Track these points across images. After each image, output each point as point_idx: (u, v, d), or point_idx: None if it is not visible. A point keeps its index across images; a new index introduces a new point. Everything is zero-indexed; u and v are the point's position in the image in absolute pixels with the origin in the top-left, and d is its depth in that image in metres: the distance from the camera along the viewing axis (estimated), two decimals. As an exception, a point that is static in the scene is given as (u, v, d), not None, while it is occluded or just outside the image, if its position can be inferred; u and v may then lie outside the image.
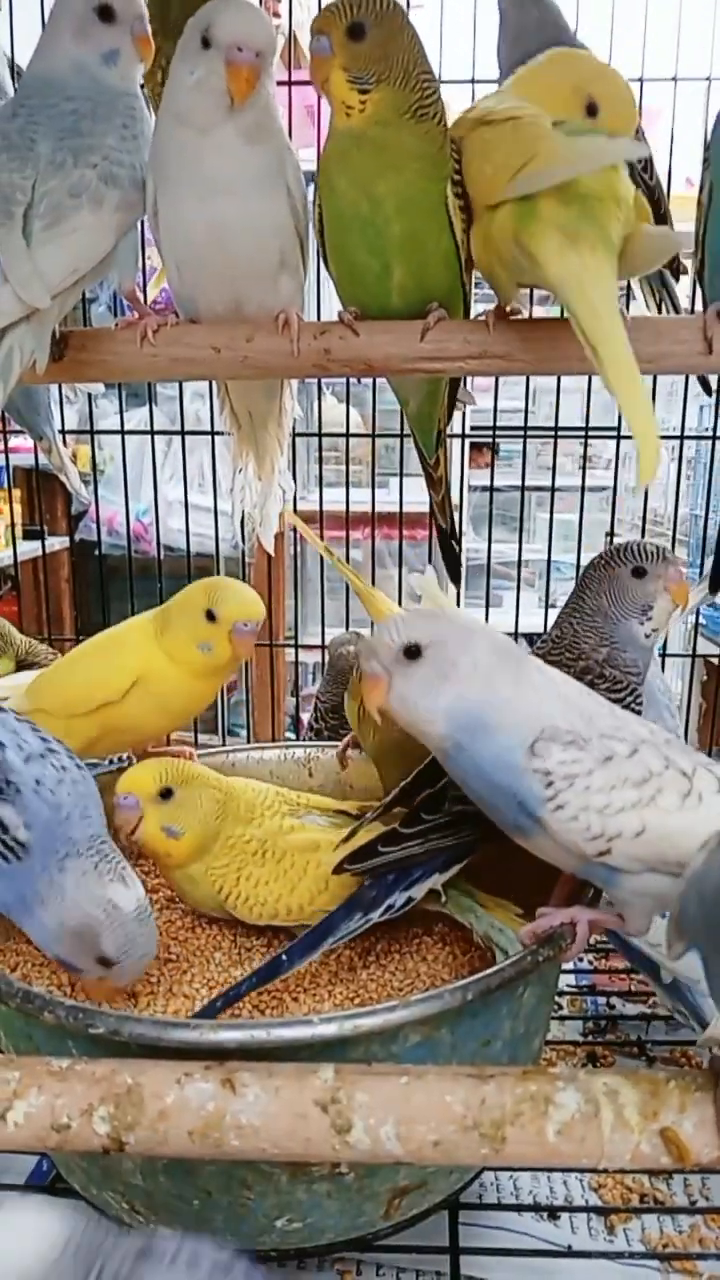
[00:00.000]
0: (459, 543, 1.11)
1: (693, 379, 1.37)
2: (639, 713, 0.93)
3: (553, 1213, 0.91)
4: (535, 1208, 0.91)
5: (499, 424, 1.75)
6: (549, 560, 1.90)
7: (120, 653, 1.03)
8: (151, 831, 0.93)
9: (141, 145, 0.85)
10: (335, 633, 1.58)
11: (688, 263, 1.18)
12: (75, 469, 1.55)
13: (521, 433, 1.79)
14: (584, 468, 1.92)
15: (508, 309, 0.84)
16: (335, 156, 0.84)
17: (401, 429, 1.59)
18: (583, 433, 1.87)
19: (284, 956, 0.85)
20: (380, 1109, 0.62)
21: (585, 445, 1.87)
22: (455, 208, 0.83)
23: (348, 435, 1.97)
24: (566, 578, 2.55)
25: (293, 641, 2.29)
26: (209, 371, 0.91)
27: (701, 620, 2.11)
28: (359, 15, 0.80)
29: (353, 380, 1.49)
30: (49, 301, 0.80)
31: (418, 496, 1.61)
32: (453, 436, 1.08)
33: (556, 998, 1.09)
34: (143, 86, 0.90)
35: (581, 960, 1.26)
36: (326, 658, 1.50)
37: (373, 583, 1.80)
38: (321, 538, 1.80)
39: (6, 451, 1.81)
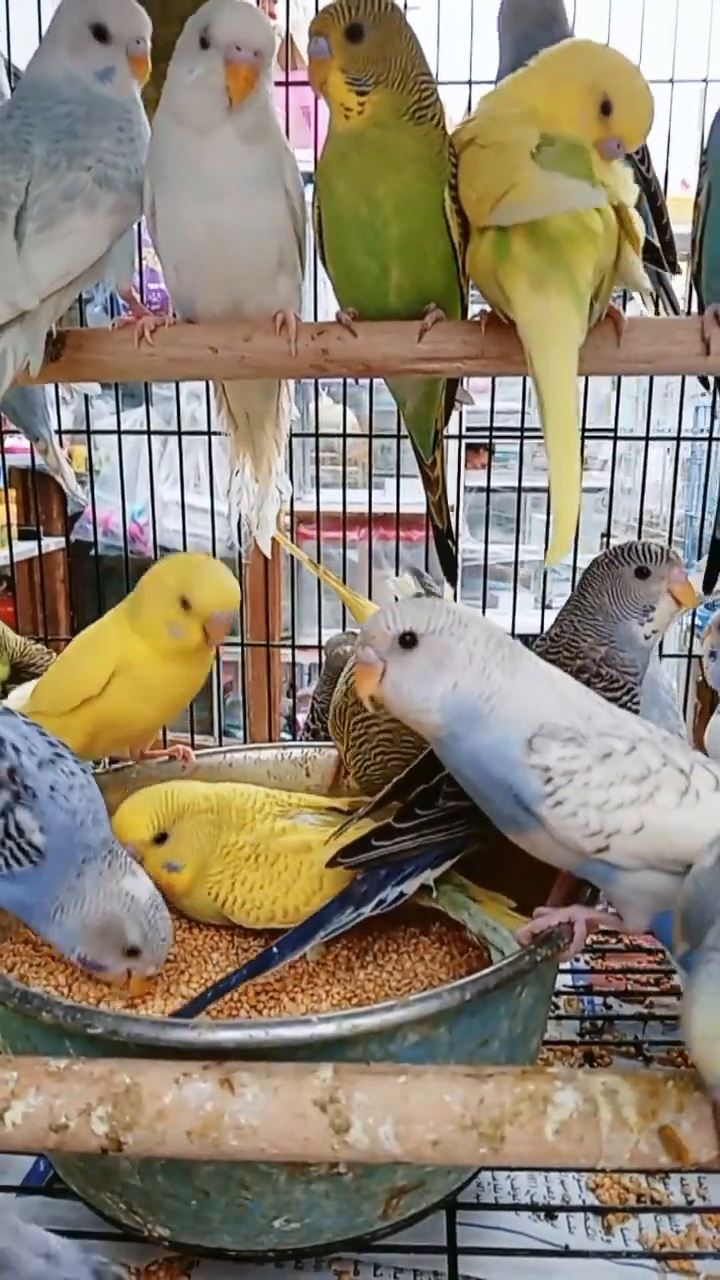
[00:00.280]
0: (455, 543, 1.11)
1: (689, 378, 1.38)
2: (636, 713, 0.93)
3: (550, 1212, 0.91)
4: (533, 1208, 0.91)
5: (495, 425, 1.75)
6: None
7: (96, 645, 1.03)
8: (153, 871, 0.93)
9: (138, 149, 0.85)
10: (332, 633, 1.58)
11: (683, 263, 1.18)
12: (71, 470, 1.55)
13: (518, 434, 1.79)
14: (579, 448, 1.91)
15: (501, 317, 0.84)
16: (334, 158, 0.84)
17: (398, 430, 1.59)
18: (579, 399, 1.87)
19: (275, 949, 0.85)
20: (379, 1109, 0.62)
21: (581, 447, 1.87)
22: (452, 211, 0.83)
23: (344, 436, 1.97)
24: (563, 579, 2.56)
25: (289, 642, 2.29)
26: (206, 371, 0.91)
27: (697, 621, 2.12)
28: (357, 17, 0.80)
29: (349, 381, 1.49)
30: (36, 303, 0.79)
31: (414, 497, 1.61)
32: (449, 437, 1.08)
33: (553, 998, 1.09)
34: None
35: (578, 960, 1.26)
36: (323, 658, 1.50)
37: (369, 584, 1.81)
38: (318, 539, 1.81)
39: (2, 452, 1.81)
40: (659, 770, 0.75)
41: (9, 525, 2.30)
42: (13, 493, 2.36)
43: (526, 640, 0.93)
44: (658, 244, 1.10)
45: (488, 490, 2.29)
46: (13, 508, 2.36)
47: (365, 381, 1.56)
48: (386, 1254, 0.84)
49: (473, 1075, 0.63)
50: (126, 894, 0.83)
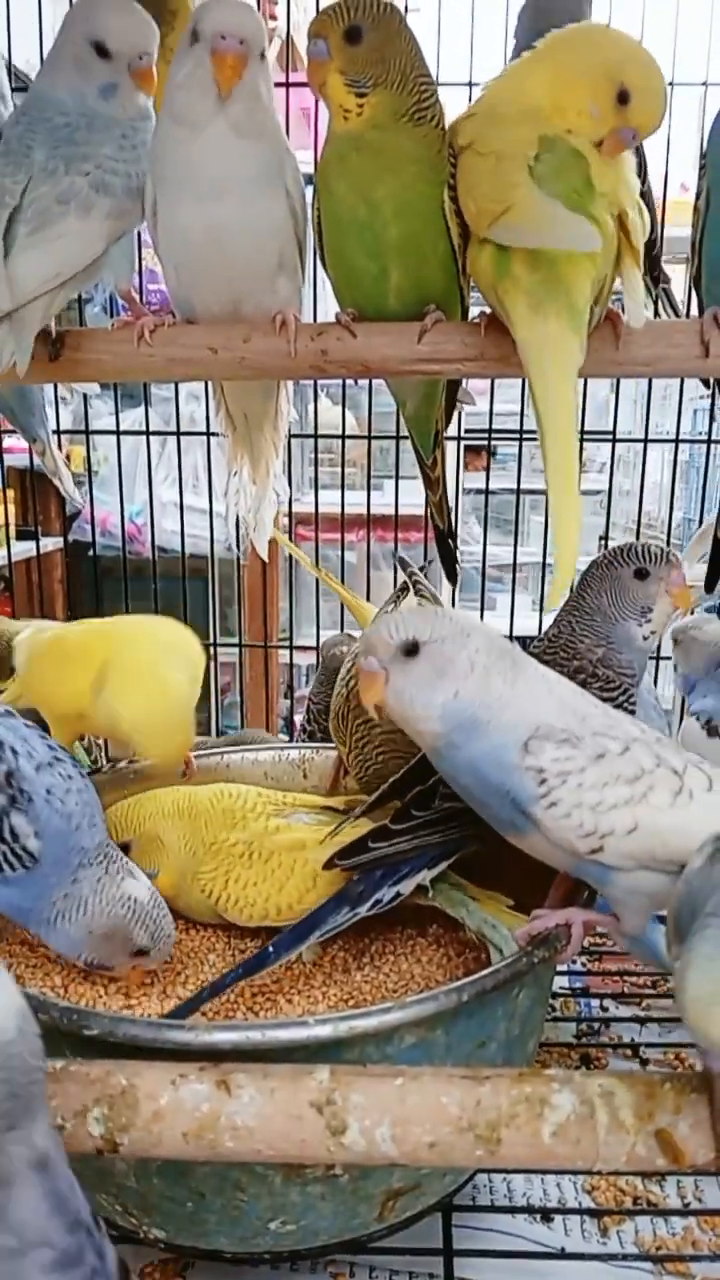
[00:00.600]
0: (456, 544, 1.11)
1: (688, 380, 1.38)
2: (632, 713, 0.94)
3: (546, 1215, 0.90)
4: (529, 1210, 0.91)
5: (494, 427, 1.75)
6: (544, 563, 1.90)
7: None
8: None
9: (142, 155, 0.85)
10: (329, 634, 1.58)
11: (673, 270, 1.19)
12: (69, 472, 1.54)
13: (517, 435, 1.79)
14: (578, 455, 1.91)
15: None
16: (333, 160, 0.84)
17: (397, 431, 1.59)
18: (577, 421, 1.87)
19: (270, 949, 0.85)
20: (375, 1110, 0.62)
21: (580, 449, 1.88)
22: (451, 213, 0.83)
23: (343, 437, 1.97)
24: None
25: (287, 643, 2.29)
26: (205, 372, 0.91)
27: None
28: (356, 19, 0.80)
29: (348, 382, 1.49)
30: (9, 304, 0.79)
31: (413, 499, 1.62)
32: (448, 439, 1.08)
33: (550, 1000, 1.10)
34: None
35: (575, 962, 1.26)
36: (320, 660, 1.50)
37: (367, 585, 1.81)
38: (316, 540, 1.81)
39: (0, 452, 1.81)
40: (652, 771, 0.75)
41: (7, 525, 2.30)
42: (11, 493, 2.36)
43: (524, 641, 0.93)
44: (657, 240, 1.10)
45: (486, 492, 2.29)
46: (11, 508, 2.35)
47: (364, 383, 1.56)
48: (382, 1256, 0.84)
49: (470, 1077, 0.63)
50: (129, 898, 0.84)
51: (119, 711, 0.96)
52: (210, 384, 1.09)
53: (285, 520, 2.07)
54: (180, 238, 0.86)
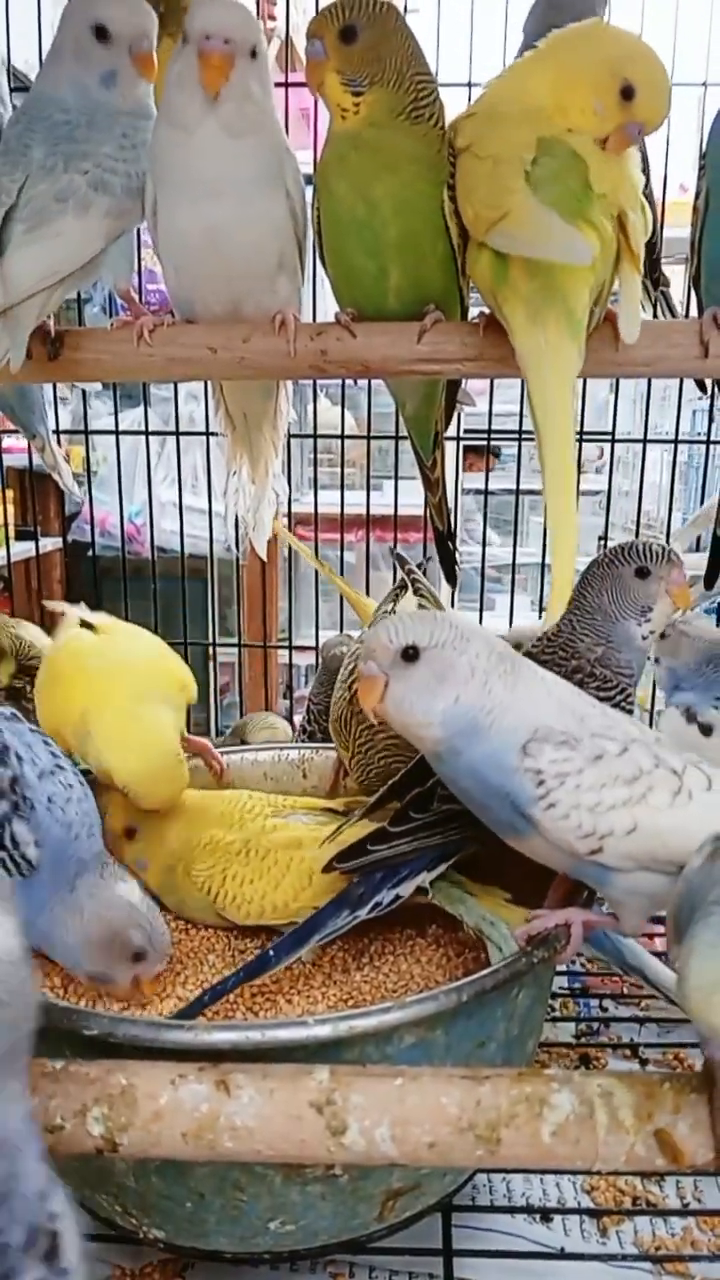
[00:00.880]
0: (455, 544, 1.11)
1: (687, 381, 1.38)
2: (630, 713, 0.94)
3: (546, 1215, 0.90)
4: (528, 1210, 0.91)
5: (494, 427, 1.75)
6: (543, 564, 1.90)
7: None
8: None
9: (142, 155, 0.85)
10: (329, 634, 1.58)
11: (672, 270, 1.19)
12: (68, 467, 1.54)
13: (516, 436, 1.79)
14: (578, 471, 1.91)
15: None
16: (332, 159, 0.84)
17: (397, 431, 1.59)
18: (577, 436, 1.87)
19: (271, 953, 0.85)
20: (375, 1110, 0.62)
21: (580, 449, 1.87)
22: (450, 212, 0.83)
23: (343, 437, 1.97)
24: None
25: (286, 643, 2.29)
26: (205, 372, 0.91)
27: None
28: (351, 19, 0.80)
29: (348, 382, 1.49)
30: (2, 300, 0.79)
31: (412, 499, 1.61)
32: (447, 439, 1.08)
33: (549, 1000, 1.09)
34: None
35: (574, 962, 1.26)
36: (319, 660, 1.50)
37: (367, 585, 1.81)
38: (316, 540, 1.81)
39: (-1, 451, 1.81)
40: (651, 771, 0.75)
41: (6, 525, 2.29)
42: (10, 493, 2.36)
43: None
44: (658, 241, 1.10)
45: (485, 492, 2.29)
46: (10, 508, 2.35)
47: (363, 383, 1.56)
48: (382, 1256, 0.84)
49: (469, 1077, 0.63)
50: (124, 901, 0.84)
51: (110, 766, 0.96)
52: (210, 384, 1.09)
53: (284, 520, 2.06)
54: (179, 239, 0.86)
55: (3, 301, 0.79)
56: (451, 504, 1.11)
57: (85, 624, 1.07)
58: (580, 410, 1.87)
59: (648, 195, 0.92)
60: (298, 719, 1.84)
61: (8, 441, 1.88)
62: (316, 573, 1.87)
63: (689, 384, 1.49)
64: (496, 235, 0.76)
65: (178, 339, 0.86)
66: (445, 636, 0.77)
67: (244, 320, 0.87)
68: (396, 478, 1.74)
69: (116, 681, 1.00)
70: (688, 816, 0.74)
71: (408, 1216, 0.79)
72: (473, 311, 0.90)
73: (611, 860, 0.75)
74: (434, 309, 0.85)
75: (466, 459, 2.78)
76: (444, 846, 0.89)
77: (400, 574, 1.14)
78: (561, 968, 1.20)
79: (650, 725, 1.55)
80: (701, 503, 2.08)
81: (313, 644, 1.77)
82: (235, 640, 2.26)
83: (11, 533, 2.32)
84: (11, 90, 1.07)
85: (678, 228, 1.04)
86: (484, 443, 2.13)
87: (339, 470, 1.98)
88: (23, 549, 2.23)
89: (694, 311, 0.94)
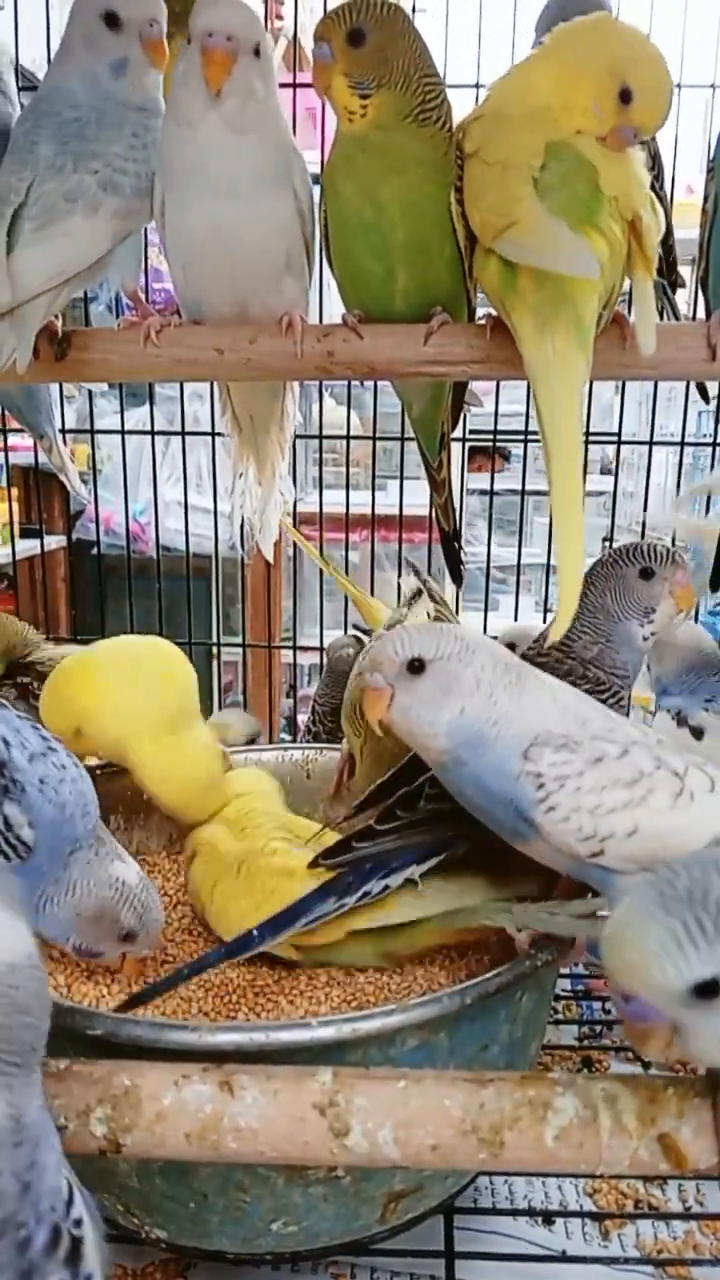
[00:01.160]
0: (461, 545, 1.11)
1: (692, 386, 1.38)
2: (625, 714, 0.93)
3: (548, 1218, 0.90)
4: (530, 1213, 0.91)
5: (499, 428, 1.75)
6: (548, 564, 1.90)
7: None
8: None
9: (152, 155, 0.85)
10: (333, 634, 1.58)
11: (684, 271, 1.18)
12: (74, 467, 1.55)
13: (522, 437, 1.79)
14: (583, 473, 1.91)
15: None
16: (339, 161, 0.84)
17: (402, 432, 1.59)
18: (583, 437, 1.87)
19: (254, 932, 0.85)
20: (378, 1113, 0.62)
21: (585, 450, 1.87)
22: (457, 214, 0.83)
23: (348, 438, 1.97)
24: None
25: (290, 643, 2.29)
26: (212, 373, 0.91)
27: (701, 624, 2.11)
28: (358, 21, 0.80)
29: (353, 382, 1.49)
30: (10, 299, 0.79)
31: (417, 499, 1.61)
32: (453, 440, 1.08)
33: (552, 1002, 1.09)
34: None
35: (576, 965, 1.26)
36: (325, 660, 1.50)
37: (371, 585, 1.81)
38: (320, 540, 1.81)
39: (5, 450, 1.81)
40: (652, 773, 0.75)
41: (11, 523, 2.30)
42: (15, 491, 2.36)
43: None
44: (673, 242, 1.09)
45: (490, 493, 2.28)
46: (15, 506, 2.36)
47: (369, 383, 1.56)
48: (384, 1258, 0.84)
49: (473, 1080, 0.63)
50: (117, 879, 0.84)
51: (160, 797, 0.99)
52: (216, 385, 1.09)
53: (289, 520, 2.06)
54: (186, 237, 0.86)
55: (10, 300, 0.79)
56: (456, 504, 1.11)
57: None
58: (587, 411, 1.87)
59: (659, 194, 0.92)
60: (302, 719, 1.84)
61: (12, 440, 1.89)
62: (321, 572, 1.87)
63: (693, 386, 1.49)
64: (504, 243, 0.76)
65: (184, 340, 0.86)
66: (451, 649, 0.77)
67: (251, 321, 0.87)
68: (402, 478, 1.74)
69: (148, 710, 1.01)
70: (689, 818, 0.74)
71: (410, 1218, 0.79)
72: (479, 313, 0.90)
73: (613, 863, 0.75)
74: (441, 311, 0.85)
75: (473, 460, 2.78)
76: (431, 844, 0.88)
77: (413, 580, 1.14)
78: (564, 970, 1.20)
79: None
80: (707, 504, 2.07)
81: (317, 644, 1.77)
82: (239, 640, 2.27)
83: (16, 531, 2.33)
84: (20, 89, 1.07)
85: (685, 229, 1.04)
86: (489, 443, 2.13)
87: (344, 470, 1.98)
88: (27, 547, 2.23)
89: (701, 313, 0.94)
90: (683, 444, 1.78)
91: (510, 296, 0.77)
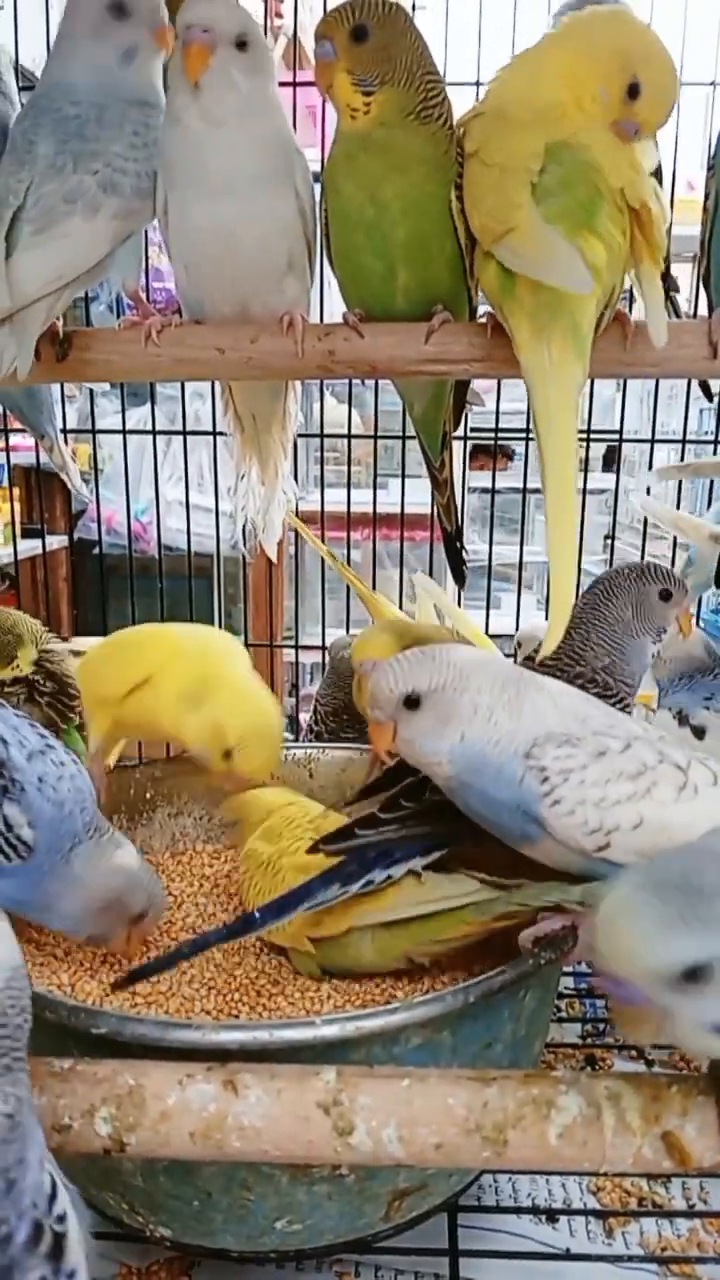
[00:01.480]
0: (463, 544, 1.12)
1: (693, 383, 1.38)
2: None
3: (552, 1216, 0.91)
4: (534, 1211, 0.91)
5: (501, 426, 1.74)
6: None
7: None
8: None
9: (153, 154, 0.84)
10: (335, 633, 1.58)
11: (684, 269, 1.19)
12: (76, 467, 1.54)
13: (523, 435, 1.79)
14: (584, 470, 1.91)
15: None
16: (341, 159, 0.84)
17: (403, 430, 1.58)
18: (584, 435, 1.87)
19: (256, 914, 0.85)
20: (382, 1111, 0.62)
21: (587, 448, 1.87)
22: (458, 212, 0.83)
23: (349, 436, 1.96)
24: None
25: (292, 642, 2.29)
26: (213, 372, 0.91)
27: (702, 624, 2.11)
28: (361, 18, 0.80)
29: (354, 381, 1.49)
30: (9, 305, 0.78)
31: (419, 498, 1.61)
32: (454, 438, 1.08)
33: (555, 1000, 1.09)
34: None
35: (579, 963, 1.26)
36: (327, 660, 1.50)
37: (373, 584, 1.80)
38: (322, 539, 1.81)
39: (6, 450, 1.81)
40: (655, 766, 0.75)
41: (13, 523, 2.30)
42: (17, 491, 2.36)
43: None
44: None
45: (492, 491, 2.28)
46: (16, 506, 2.36)
47: (370, 381, 1.56)
48: (388, 1256, 0.84)
49: (476, 1078, 0.63)
50: (120, 868, 0.86)
51: (230, 728, 0.96)
52: (219, 385, 1.09)
53: (292, 515, 2.07)
54: (187, 236, 0.86)
55: (10, 306, 0.78)
56: (458, 503, 1.11)
57: None
58: (587, 409, 1.86)
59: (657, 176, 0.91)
60: (303, 717, 1.84)
61: (14, 440, 1.89)
62: (323, 571, 1.87)
63: (695, 383, 1.49)
64: (502, 249, 0.76)
65: (186, 339, 0.86)
66: (445, 678, 0.78)
67: (252, 321, 0.87)
68: (404, 476, 1.74)
69: (231, 655, 1.03)
70: (694, 811, 0.74)
71: (414, 1216, 0.79)
72: (480, 311, 0.90)
73: (620, 857, 0.75)
74: (441, 309, 0.84)
75: (476, 458, 2.77)
76: (433, 835, 0.89)
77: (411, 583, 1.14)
78: (568, 968, 1.20)
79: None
80: (709, 502, 2.07)
81: (318, 643, 1.77)
82: (241, 639, 2.26)
83: (18, 530, 2.33)
84: (20, 90, 1.06)
85: (685, 225, 1.04)
86: (490, 441, 2.12)
87: (345, 469, 1.98)
88: (29, 547, 2.23)
89: (703, 310, 0.94)
90: (684, 441, 1.78)
91: (508, 301, 0.77)
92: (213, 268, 0.86)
